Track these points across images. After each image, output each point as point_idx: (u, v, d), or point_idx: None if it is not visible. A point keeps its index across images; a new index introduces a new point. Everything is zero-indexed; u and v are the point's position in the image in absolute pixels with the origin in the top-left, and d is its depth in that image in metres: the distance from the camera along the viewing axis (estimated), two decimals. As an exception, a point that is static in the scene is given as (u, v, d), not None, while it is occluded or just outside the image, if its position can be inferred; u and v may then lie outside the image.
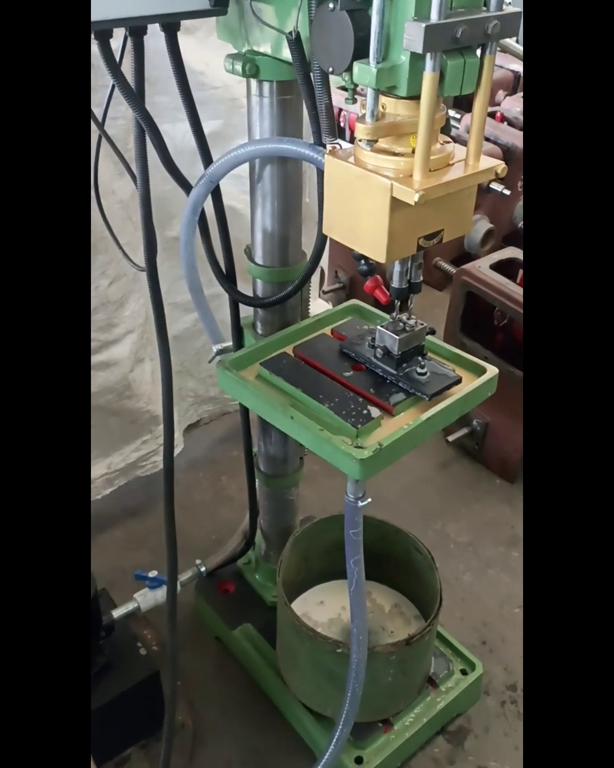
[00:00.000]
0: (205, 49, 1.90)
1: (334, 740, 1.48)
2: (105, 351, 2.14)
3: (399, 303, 1.27)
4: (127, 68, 1.25)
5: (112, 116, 1.79)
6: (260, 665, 1.91)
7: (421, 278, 1.25)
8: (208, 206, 1.40)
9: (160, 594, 1.83)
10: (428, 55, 0.90)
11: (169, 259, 2.06)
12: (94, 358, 2.13)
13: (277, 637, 1.82)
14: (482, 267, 2.59)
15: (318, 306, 1.65)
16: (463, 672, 1.89)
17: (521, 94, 3.89)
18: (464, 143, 1.08)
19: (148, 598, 1.83)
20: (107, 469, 2.37)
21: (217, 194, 1.42)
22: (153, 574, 1.82)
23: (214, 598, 2.06)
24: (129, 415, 2.32)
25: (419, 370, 1.30)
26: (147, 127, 1.28)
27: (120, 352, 2.17)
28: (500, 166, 1.07)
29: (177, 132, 1.86)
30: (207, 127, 1.41)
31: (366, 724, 1.73)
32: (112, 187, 1.96)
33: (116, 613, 1.77)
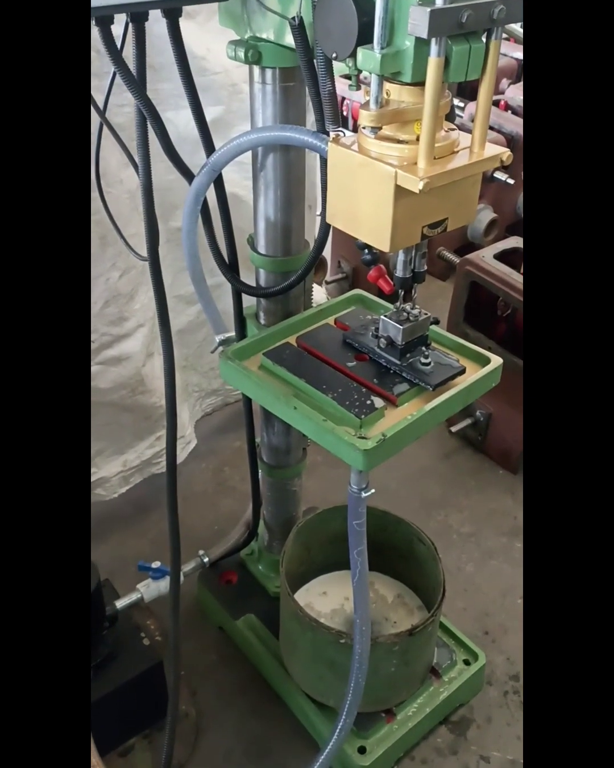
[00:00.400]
0: (205, 33, 1.87)
1: (337, 730, 1.49)
2: (117, 346, 2.11)
3: (403, 293, 1.26)
4: (127, 55, 1.23)
5: (120, 104, 1.76)
6: (263, 655, 1.92)
7: (425, 268, 1.24)
8: (211, 195, 1.39)
9: (163, 584, 1.83)
10: (433, 41, 0.89)
11: (172, 250, 2.04)
12: (107, 353, 2.09)
13: (280, 627, 1.83)
14: (485, 257, 2.58)
15: (315, 293, 1.63)
16: (466, 662, 1.89)
17: (525, 82, 3.86)
18: (468, 132, 1.07)
19: (151, 588, 1.83)
20: (123, 466, 2.34)
21: (219, 183, 1.41)
22: (156, 564, 1.82)
23: (217, 588, 2.06)
24: (142, 411, 2.29)
25: (423, 360, 1.29)
26: (148, 115, 1.26)
27: (132, 346, 2.14)
28: (505, 153, 1.06)
29: (180, 119, 1.84)
30: (209, 114, 1.39)
31: (369, 714, 1.73)
32: (120, 176, 1.93)
33: (119, 604, 1.77)
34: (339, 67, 1.04)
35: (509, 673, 2.03)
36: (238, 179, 1.95)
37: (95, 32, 1.13)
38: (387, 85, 1.00)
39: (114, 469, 2.33)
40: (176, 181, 1.80)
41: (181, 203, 1.99)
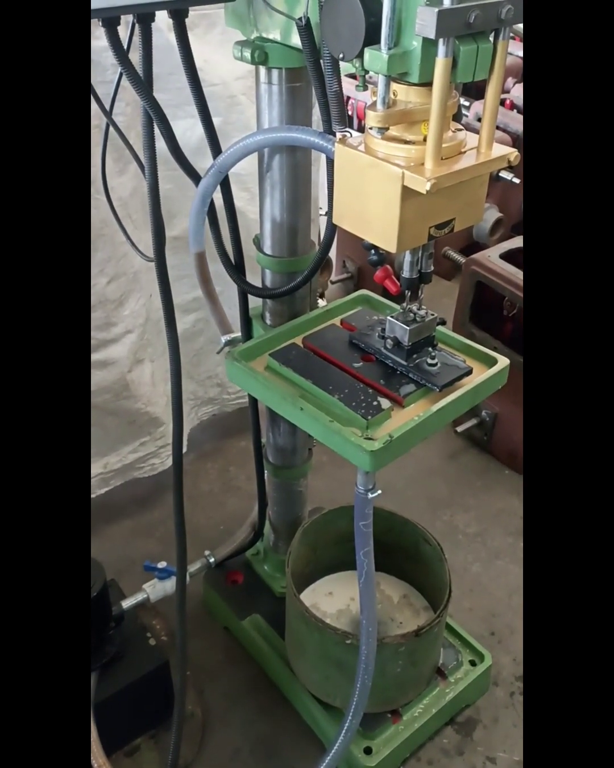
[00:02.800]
0: (203, 45, 1.86)
1: (344, 731, 1.48)
2: (102, 350, 2.11)
3: (409, 293, 1.26)
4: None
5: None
6: (269, 655, 1.92)
7: (432, 268, 1.23)
8: (216, 196, 1.38)
9: (169, 585, 1.83)
10: (441, 41, 0.89)
11: (170, 259, 2.01)
12: (91, 357, 2.09)
13: (286, 627, 1.83)
14: (491, 256, 2.58)
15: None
16: (472, 663, 1.89)
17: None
18: (473, 131, 1.06)
19: (157, 588, 1.83)
20: (103, 468, 2.35)
21: (226, 185, 1.41)
22: (162, 565, 1.82)
23: (223, 588, 2.06)
24: (127, 416, 2.29)
25: (429, 360, 1.29)
26: (155, 116, 1.26)
27: (118, 351, 2.14)
28: (513, 153, 1.05)
29: (177, 129, 1.82)
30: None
31: (376, 715, 1.73)
32: (111, 184, 1.92)
33: (125, 604, 1.78)
34: (344, 67, 1.04)
35: (515, 673, 2.03)
36: (235, 191, 1.93)
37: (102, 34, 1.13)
38: (394, 86, 1.00)
39: (94, 470, 2.33)
40: (174, 191, 1.79)
41: (178, 212, 1.97)
